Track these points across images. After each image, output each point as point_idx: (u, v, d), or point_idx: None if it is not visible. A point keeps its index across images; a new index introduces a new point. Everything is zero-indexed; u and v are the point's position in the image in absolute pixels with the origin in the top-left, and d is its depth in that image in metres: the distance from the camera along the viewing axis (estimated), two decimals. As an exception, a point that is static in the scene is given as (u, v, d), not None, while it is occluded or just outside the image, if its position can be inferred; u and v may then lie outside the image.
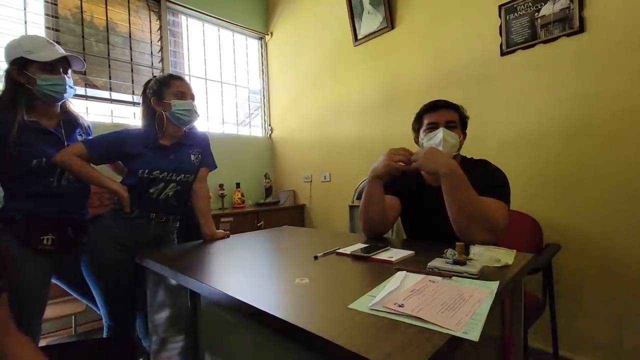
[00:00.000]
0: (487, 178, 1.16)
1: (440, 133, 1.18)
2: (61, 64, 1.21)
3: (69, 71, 1.26)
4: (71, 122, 1.32)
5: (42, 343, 1.26)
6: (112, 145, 1.29)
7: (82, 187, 1.31)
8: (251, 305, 0.66)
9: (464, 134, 1.27)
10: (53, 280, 1.28)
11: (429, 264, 0.84)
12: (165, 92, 1.32)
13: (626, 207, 1.46)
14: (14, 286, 1.05)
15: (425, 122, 1.25)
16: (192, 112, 1.34)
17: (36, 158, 1.16)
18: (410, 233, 1.36)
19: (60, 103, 1.27)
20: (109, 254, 1.23)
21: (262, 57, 3.42)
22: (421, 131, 1.27)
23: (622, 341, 1.48)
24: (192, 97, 1.36)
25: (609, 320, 1.51)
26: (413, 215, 1.31)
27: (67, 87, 1.21)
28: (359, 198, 2.52)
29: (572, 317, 1.59)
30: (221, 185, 2.80)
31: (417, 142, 1.33)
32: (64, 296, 1.70)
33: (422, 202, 1.25)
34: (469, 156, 1.31)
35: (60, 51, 1.21)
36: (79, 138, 1.33)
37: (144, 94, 1.38)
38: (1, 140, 1.11)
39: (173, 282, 1.12)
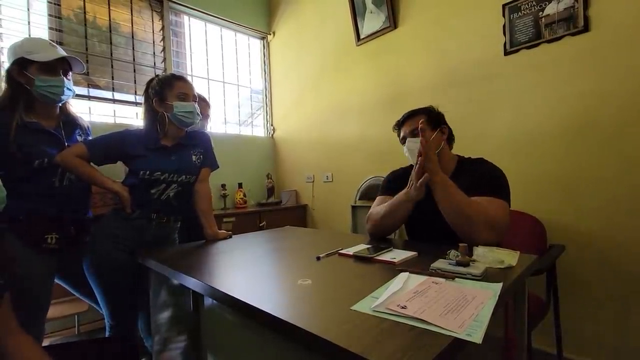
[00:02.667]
0: (485, 176, 1.16)
1: (405, 146, 1.27)
2: (61, 66, 1.21)
3: (70, 73, 1.26)
4: (70, 123, 1.32)
5: (45, 343, 1.27)
6: (113, 146, 1.29)
7: (84, 186, 1.32)
8: (253, 306, 0.66)
9: (442, 130, 1.26)
10: (56, 281, 1.29)
11: (431, 265, 0.83)
12: (168, 93, 1.31)
13: (630, 207, 1.45)
14: (18, 285, 1.07)
15: (400, 136, 1.34)
16: (194, 114, 1.33)
17: (38, 158, 1.17)
18: (411, 234, 1.35)
19: (59, 104, 1.27)
20: (109, 254, 1.23)
21: (264, 57, 3.42)
22: None
23: (626, 342, 1.47)
24: (194, 99, 1.36)
25: (614, 321, 1.50)
26: (415, 216, 1.30)
27: (64, 88, 1.21)
28: (361, 198, 2.52)
29: (576, 318, 1.58)
30: (223, 185, 2.81)
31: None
32: (67, 296, 1.70)
33: (424, 202, 1.24)
34: (466, 156, 1.31)
35: (61, 53, 1.22)
36: (79, 139, 1.33)
37: (146, 93, 1.37)
38: (2, 141, 1.12)
39: (176, 282, 1.12)
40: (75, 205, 1.29)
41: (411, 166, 1.35)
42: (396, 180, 1.35)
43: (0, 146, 1.12)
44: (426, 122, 1.22)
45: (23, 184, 1.17)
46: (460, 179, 1.19)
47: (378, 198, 1.38)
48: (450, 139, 1.31)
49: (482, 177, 1.16)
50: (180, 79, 1.36)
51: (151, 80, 1.37)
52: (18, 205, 1.17)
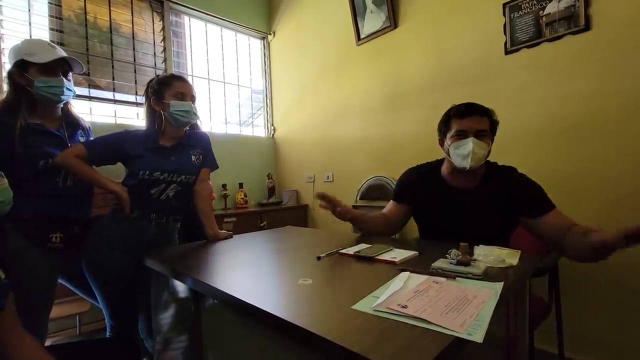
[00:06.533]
0: (535, 195, 1.14)
1: (469, 144, 1.11)
2: (60, 67, 1.22)
3: (70, 74, 1.27)
4: (72, 124, 1.34)
5: (47, 343, 1.27)
6: (113, 147, 1.29)
7: (87, 187, 1.32)
8: (254, 306, 0.66)
9: (492, 139, 1.21)
10: (60, 281, 1.29)
11: (432, 264, 0.83)
12: (165, 92, 1.32)
13: (633, 207, 1.44)
14: (23, 285, 1.07)
15: (454, 128, 1.16)
16: (190, 114, 1.34)
17: (42, 159, 1.18)
18: (425, 234, 1.35)
19: (61, 105, 1.28)
20: (109, 254, 1.23)
21: (264, 57, 3.42)
22: (448, 136, 1.19)
23: (628, 343, 1.47)
24: (192, 99, 1.36)
25: (616, 321, 1.50)
26: (430, 216, 1.28)
27: (64, 89, 1.22)
28: (362, 198, 2.52)
29: (577, 318, 1.58)
30: (224, 186, 2.81)
31: (441, 144, 1.26)
32: (68, 296, 1.70)
33: (442, 203, 1.23)
34: (493, 162, 1.27)
35: (60, 53, 1.22)
36: (81, 139, 1.34)
37: (146, 92, 1.39)
38: (7, 143, 1.12)
39: (176, 282, 1.12)
40: (79, 205, 1.30)
41: (425, 166, 1.35)
42: (411, 186, 1.32)
43: (5, 147, 1.12)
44: (489, 126, 1.18)
45: (27, 184, 1.17)
46: (490, 185, 1.19)
47: (390, 203, 1.39)
48: None
49: (534, 193, 1.14)
50: (179, 78, 1.37)
51: (151, 81, 1.39)
52: (23, 205, 1.17)
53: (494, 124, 1.20)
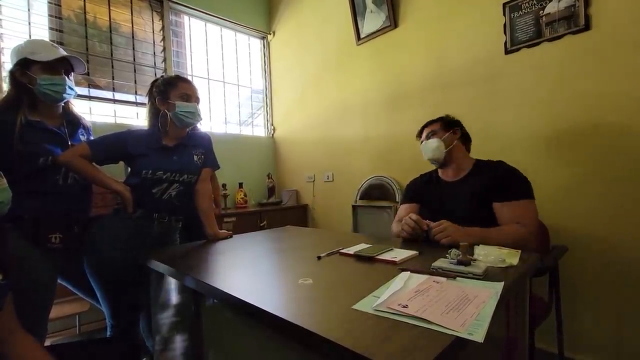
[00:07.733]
0: (513, 179, 1.25)
1: (422, 145, 1.43)
2: (63, 66, 1.23)
3: (72, 74, 1.28)
4: (73, 122, 1.34)
5: (46, 343, 1.27)
6: (116, 146, 1.29)
7: (87, 185, 1.32)
8: (254, 306, 0.65)
9: (454, 131, 1.39)
10: (59, 281, 1.29)
11: (433, 264, 0.83)
12: (171, 93, 1.33)
13: (633, 208, 1.44)
14: (23, 285, 1.07)
15: (421, 138, 1.48)
16: (195, 115, 1.36)
17: (42, 157, 1.18)
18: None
19: (62, 104, 1.29)
20: (111, 254, 1.23)
21: (264, 56, 3.42)
22: None
23: (628, 343, 1.47)
24: (197, 100, 1.38)
25: (616, 322, 1.50)
26: (433, 211, 1.35)
27: (66, 87, 1.23)
28: (362, 198, 2.52)
29: (578, 318, 1.58)
30: (224, 185, 2.80)
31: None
32: (68, 296, 1.70)
33: (435, 196, 1.40)
34: (485, 159, 1.38)
35: (62, 53, 1.23)
36: (82, 138, 1.35)
37: (150, 93, 1.39)
38: (7, 140, 1.12)
39: (176, 282, 1.12)
40: (80, 203, 1.30)
41: (427, 173, 1.53)
42: (416, 190, 1.50)
43: (5, 144, 1.12)
44: (441, 125, 1.40)
45: (28, 181, 1.17)
46: (476, 177, 1.33)
47: (402, 207, 1.50)
48: (467, 140, 1.44)
49: (504, 182, 1.24)
50: (185, 80, 1.39)
51: (155, 80, 1.40)
52: (22, 203, 1.16)
53: (446, 124, 1.42)
